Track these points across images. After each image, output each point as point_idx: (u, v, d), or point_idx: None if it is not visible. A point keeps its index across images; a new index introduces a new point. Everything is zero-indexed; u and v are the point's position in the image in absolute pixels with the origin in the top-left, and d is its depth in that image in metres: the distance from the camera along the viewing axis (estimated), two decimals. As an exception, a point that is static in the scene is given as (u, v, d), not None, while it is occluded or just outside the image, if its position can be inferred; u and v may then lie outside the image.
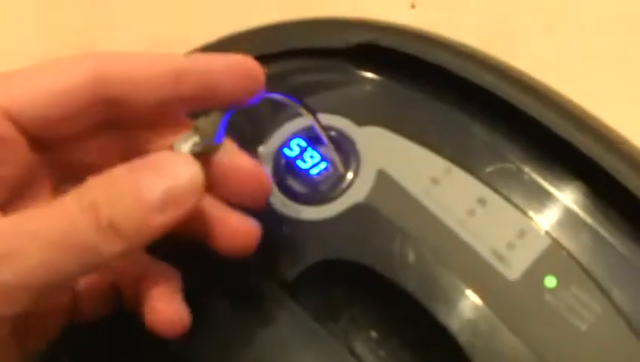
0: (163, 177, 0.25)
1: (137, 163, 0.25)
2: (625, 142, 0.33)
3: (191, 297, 0.29)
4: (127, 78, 0.26)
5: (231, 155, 0.28)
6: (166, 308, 0.27)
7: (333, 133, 0.34)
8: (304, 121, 0.34)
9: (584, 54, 0.52)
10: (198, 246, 0.29)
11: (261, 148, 0.34)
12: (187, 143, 0.26)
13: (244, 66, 0.27)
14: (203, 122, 0.27)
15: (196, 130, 0.26)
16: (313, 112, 0.32)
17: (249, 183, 0.28)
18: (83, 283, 0.29)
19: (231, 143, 0.28)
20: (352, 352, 0.32)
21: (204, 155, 0.27)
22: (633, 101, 0.50)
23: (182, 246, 0.29)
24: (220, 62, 0.27)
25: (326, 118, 0.34)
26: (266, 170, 0.28)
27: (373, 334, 0.33)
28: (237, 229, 0.28)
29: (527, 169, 0.33)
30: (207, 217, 0.28)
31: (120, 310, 0.30)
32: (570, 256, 0.31)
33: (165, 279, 0.28)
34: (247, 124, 0.35)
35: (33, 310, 0.24)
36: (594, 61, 0.52)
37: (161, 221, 0.24)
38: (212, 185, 0.27)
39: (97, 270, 0.26)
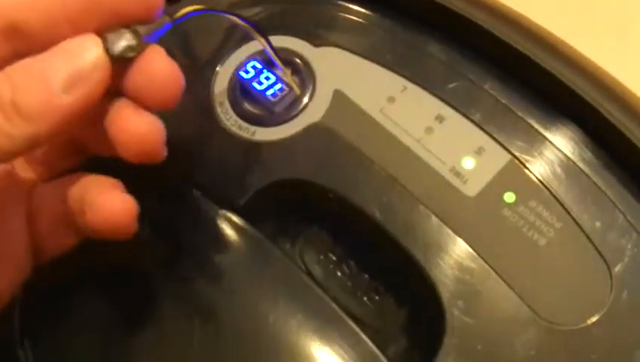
0: (67, 58, 0.25)
1: (46, 51, 0.25)
2: (583, 58, 0.33)
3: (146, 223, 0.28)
4: (17, 3, 0.25)
5: (149, 55, 0.27)
6: (109, 198, 0.27)
7: (289, 55, 0.33)
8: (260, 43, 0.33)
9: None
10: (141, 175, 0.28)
11: (217, 69, 0.34)
12: (120, 39, 0.26)
13: None
14: (142, 28, 0.27)
15: (132, 31, 0.26)
16: (265, 35, 0.32)
17: (161, 79, 0.26)
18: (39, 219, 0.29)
19: (155, 46, 0.27)
20: (309, 273, 0.32)
21: (129, 57, 0.26)
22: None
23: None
24: None
25: (282, 40, 0.33)
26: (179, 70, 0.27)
27: (331, 256, 0.32)
28: (130, 122, 0.26)
29: (486, 86, 0.32)
30: (111, 113, 0.27)
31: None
32: (530, 172, 0.31)
33: (106, 180, 0.28)
34: (204, 45, 0.34)
35: None
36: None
37: (67, 101, 0.24)
38: (127, 88, 0.27)
39: (15, 156, 0.25)
